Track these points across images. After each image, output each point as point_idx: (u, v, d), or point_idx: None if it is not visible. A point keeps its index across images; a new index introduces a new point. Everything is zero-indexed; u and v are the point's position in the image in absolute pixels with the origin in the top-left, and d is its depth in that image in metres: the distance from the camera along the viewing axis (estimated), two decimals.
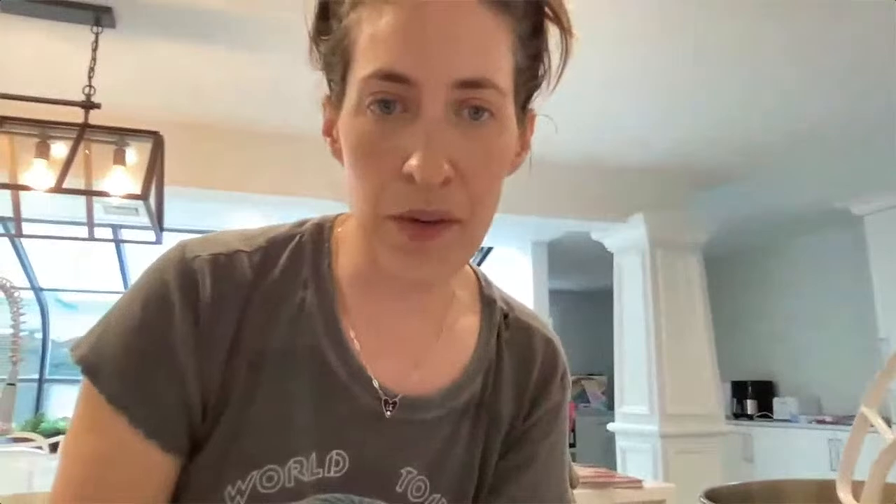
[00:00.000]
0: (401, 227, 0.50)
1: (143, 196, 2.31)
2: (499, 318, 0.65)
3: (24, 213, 2.65)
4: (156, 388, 0.52)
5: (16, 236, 4.39)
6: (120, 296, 0.59)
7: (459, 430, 0.60)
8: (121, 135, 2.50)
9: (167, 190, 2.60)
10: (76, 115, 2.47)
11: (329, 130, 0.59)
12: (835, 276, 5.90)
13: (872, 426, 0.55)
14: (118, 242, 5.03)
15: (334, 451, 0.55)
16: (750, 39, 2.75)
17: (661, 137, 3.85)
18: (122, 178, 2.50)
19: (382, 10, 0.49)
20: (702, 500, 0.66)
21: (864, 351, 5.40)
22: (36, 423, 5.06)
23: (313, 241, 0.60)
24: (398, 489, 0.57)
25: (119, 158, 2.53)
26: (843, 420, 5.26)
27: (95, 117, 2.47)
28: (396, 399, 0.57)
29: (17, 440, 3.75)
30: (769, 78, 3.09)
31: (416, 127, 0.49)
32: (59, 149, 2.44)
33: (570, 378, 0.68)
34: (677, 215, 4.44)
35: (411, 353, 0.60)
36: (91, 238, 2.82)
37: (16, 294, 1.81)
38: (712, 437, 4.21)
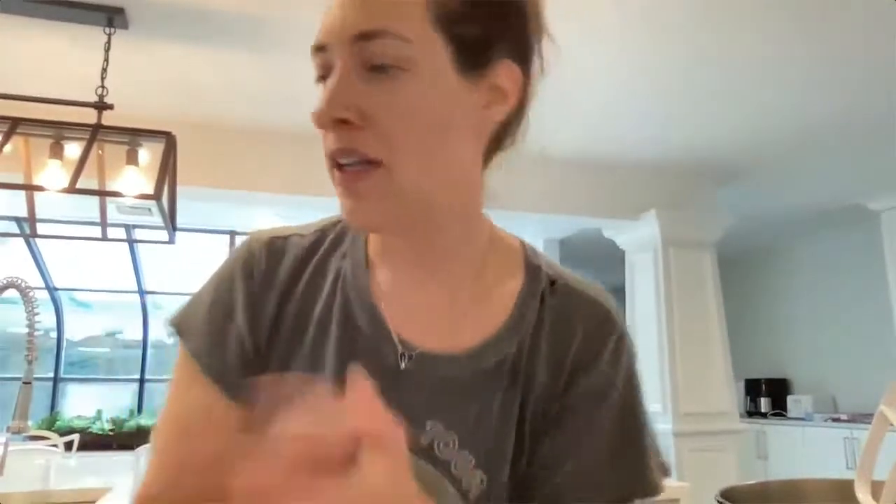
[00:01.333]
0: (333, 173, 0.56)
1: (156, 196, 2.32)
2: (544, 284, 0.65)
3: (39, 214, 2.67)
4: (221, 345, 0.61)
5: (30, 236, 4.43)
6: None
7: (492, 392, 0.60)
8: (133, 135, 2.51)
9: (180, 190, 2.62)
10: (89, 115, 2.49)
11: None
12: (850, 273, 5.84)
13: (892, 425, 0.54)
14: (131, 242, 5.06)
15: None
16: (763, 38, 2.73)
17: (675, 135, 3.82)
18: (134, 179, 2.52)
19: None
20: (717, 499, 0.65)
21: (879, 348, 5.35)
22: (51, 422, 5.12)
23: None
24: (423, 441, 0.58)
25: (132, 159, 2.54)
26: (859, 418, 5.21)
27: (108, 118, 2.49)
28: (413, 353, 0.60)
29: (32, 438, 3.79)
30: (783, 75, 3.06)
31: (328, 88, 0.54)
32: (73, 149, 2.46)
33: (635, 352, 0.65)
34: (690, 213, 4.41)
35: (439, 315, 0.62)
36: (105, 238, 2.83)
37: (30, 294, 1.82)
38: (726, 435, 4.18)
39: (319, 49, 0.56)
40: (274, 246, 0.65)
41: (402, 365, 0.60)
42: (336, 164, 0.56)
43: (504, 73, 0.59)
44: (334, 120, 0.54)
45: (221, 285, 0.65)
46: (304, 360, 0.61)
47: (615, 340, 0.63)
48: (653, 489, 0.61)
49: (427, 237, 0.61)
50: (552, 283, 0.65)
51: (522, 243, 0.70)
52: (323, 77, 0.56)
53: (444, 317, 0.62)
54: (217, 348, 0.61)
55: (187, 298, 0.69)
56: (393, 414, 0.46)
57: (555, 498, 0.59)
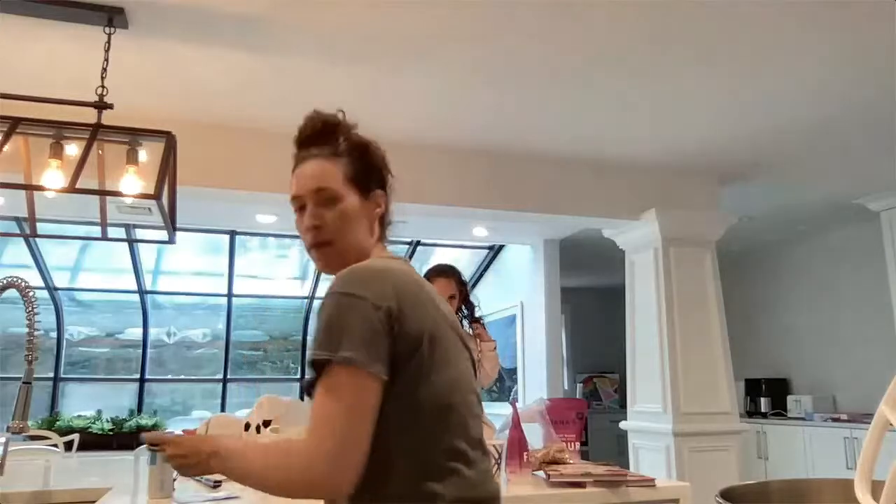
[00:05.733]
0: (310, 251, 1.24)
1: (156, 196, 2.32)
2: None
3: (39, 214, 2.67)
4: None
5: (30, 236, 4.43)
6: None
7: None
8: (133, 135, 2.51)
9: (180, 190, 2.61)
10: (89, 115, 2.48)
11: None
12: (850, 273, 5.84)
13: (892, 425, 0.54)
14: (131, 242, 5.06)
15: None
16: (766, 37, 2.73)
17: (675, 135, 3.82)
18: (134, 178, 2.51)
19: (293, 173, 1.28)
20: (717, 499, 0.65)
21: (880, 348, 5.35)
22: (51, 422, 5.12)
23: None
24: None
25: (132, 158, 2.54)
26: (859, 418, 5.21)
27: (108, 118, 2.49)
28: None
29: (32, 438, 3.79)
30: (783, 75, 3.06)
31: (306, 213, 1.22)
32: (73, 149, 2.46)
33: (334, 302, 1.07)
34: (690, 213, 4.41)
35: None
36: (105, 238, 2.83)
37: (30, 294, 1.82)
38: (727, 435, 4.18)
39: (296, 198, 1.24)
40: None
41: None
42: (309, 248, 1.22)
43: (378, 195, 1.27)
44: (314, 226, 1.20)
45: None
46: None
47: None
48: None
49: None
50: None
51: (365, 263, 1.18)
52: (300, 209, 1.24)
53: None
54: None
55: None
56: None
57: None
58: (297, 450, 1.00)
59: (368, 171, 1.26)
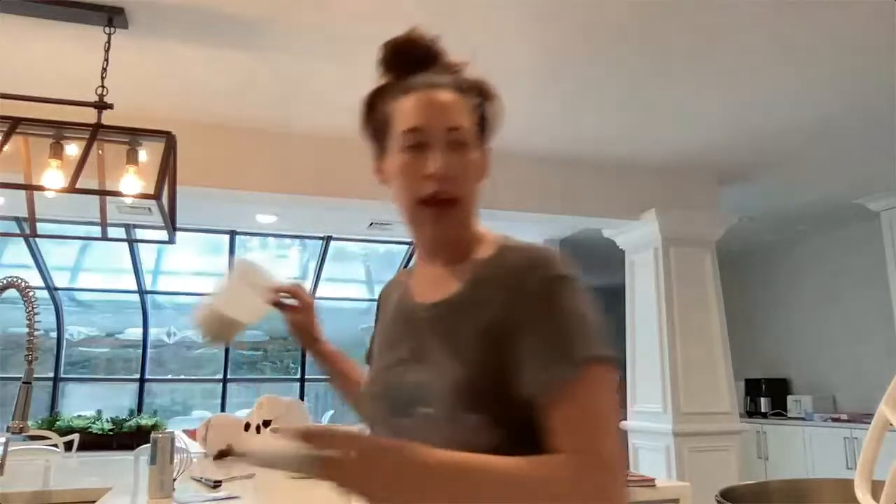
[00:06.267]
0: (429, 205, 0.92)
1: (156, 196, 2.32)
2: (493, 252, 0.96)
3: (39, 214, 2.67)
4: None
5: (30, 236, 4.43)
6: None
7: (446, 325, 0.93)
8: (133, 135, 2.51)
9: (180, 190, 2.61)
10: (89, 115, 2.48)
11: (378, 170, 1.01)
12: (850, 273, 5.84)
13: (892, 425, 0.54)
14: (131, 242, 5.06)
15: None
16: (763, 38, 2.73)
17: (675, 135, 3.82)
18: (134, 178, 2.51)
19: (408, 99, 0.94)
20: (717, 499, 0.65)
21: (879, 348, 5.35)
22: (51, 422, 5.11)
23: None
24: (401, 355, 0.95)
25: (132, 158, 2.54)
26: (859, 418, 5.21)
27: (108, 118, 2.49)
28: (415, 303, 0.99)
29: (32, 438, 3.79)
30: (783, 75, 3.06)
31: (432, 153, 0.92)
32: (73, 149, 2.46)
33: (571, 287, 0.89)
34: (690, 212, 4.41)
35: (431, 282, 0.99)
36: (105, 238, 2.83)
37: (30, 294, 1.82)
38: (727, 435, 4.18)
39: (417, 130, 0.92)
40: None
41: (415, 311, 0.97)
42: (426, 202, 0.92)
43: (489, 154, 1.00)
44: (446, 176, 0.90)
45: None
46: None
47: (539, 277, 0.87)
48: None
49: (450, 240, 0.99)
50: (503, 252, 0.94)
51: (504, 237, 0.98)
52: (414, 147, 0.92)
53: (432, 284, 0.97)
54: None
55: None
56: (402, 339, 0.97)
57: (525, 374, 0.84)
58: (586, 462, 0.77)
59: (490, 120, 0.99)
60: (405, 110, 0.94)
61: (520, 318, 0.84)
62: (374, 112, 1.00)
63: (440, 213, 0.92)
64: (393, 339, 0.99)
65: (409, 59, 0.99)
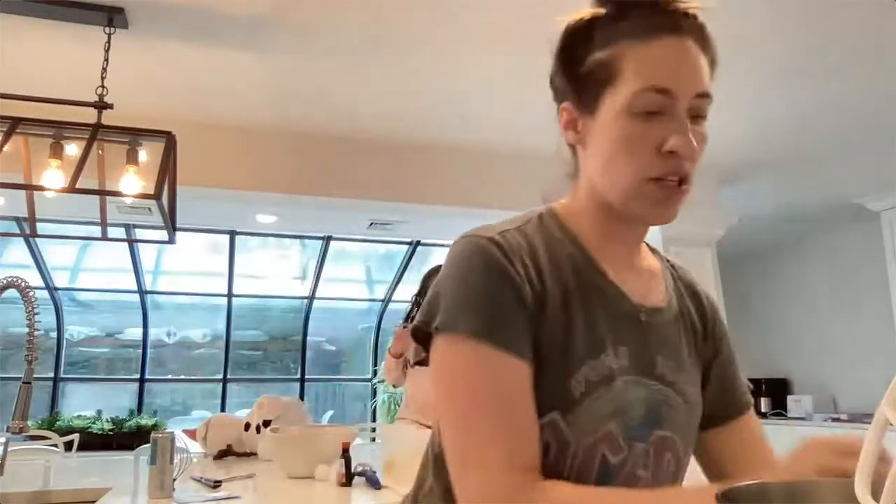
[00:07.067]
0: (661, 185, 0.76)
1: (156, 196, 2.32)
2: (665, 261, 0.98)
3: (39, 214, 2.67)
4: (504, 319, 0.73)
5: (30, 236, 4.43)
6: (446, 282, 0.76)
7: (677, 331, 0.87)
8: (133, 135, 2.51)
9: (180, 190, 2.62)
10: (89, 115, 2.49)
11: (572, 127, 0.83)
12: (851, 273, 5.84)
13: (892, 425, 0.54)
14: (131, 242, 5.06)
15: (620, 348, 0.79)
16: (763, 38, 2.72)
17: None
18: (134, 178, 2.52)
19: (649, 45, 0.73)
20: (718, 499, 0.65)
21: (880, 348, 5.35)
22: (51, 422, 5.12)
23: (553, 218, 0.86)
24: (658, 370, 0.81)
25: (132, 158, 2.54)
26: (860, 418, 5.20)
27: (108, 118, 2.49)
28: (645, 308, 0.83)
29: (32, 438, 3.79)
30: (784, 76, 3.06)
31: (673, 123, 0.73)
32: (73, 149, 2.46)
33: None
34: (691, 212, 4.34)
35: (638, 281, 0.86)
36: (105, 238, 2.83)
37: (30, 294, 1.82)
38: None
39: (665, 92, 0.73)
40: (502, 240, 0.77)
41: (643, 318, 0.83)
42: (661, 178, 0.76)
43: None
44: (693, 153, 0.76)
45: (473, 278, 0.74)
46: (577, 321, 0.77)
47: (711, 299, 0.98)
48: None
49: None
50: (667, 260, 0.98)
51: None
52: (651, 113, 0.73)
53: (642, 283, 0.86)
54: (501, 324, 0.72)
55: (429, 304, 0.76)
56: (640, 351, 0.81)
57: (728, 388, 0.94)
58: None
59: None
60: (647, 61, 0.73)
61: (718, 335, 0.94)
62: (588, 49, 0.77)
63: (673, 196, 0.78)
64: (616, 339, 0.79)
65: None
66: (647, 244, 0.96)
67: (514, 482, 0.68)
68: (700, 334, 0.91)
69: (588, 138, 0.80)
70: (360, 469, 2.01)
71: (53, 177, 2.39)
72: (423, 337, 0.76)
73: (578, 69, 0.78)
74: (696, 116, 0.76)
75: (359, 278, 7.09)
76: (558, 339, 0.75)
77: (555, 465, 0.73)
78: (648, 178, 0.76)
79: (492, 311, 0.72)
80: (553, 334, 0.75)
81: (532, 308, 0.74)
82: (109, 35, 2.57)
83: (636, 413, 0.77)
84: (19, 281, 1.83)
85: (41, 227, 2.83)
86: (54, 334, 6.19)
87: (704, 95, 0.76)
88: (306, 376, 6.80)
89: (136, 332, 6.51)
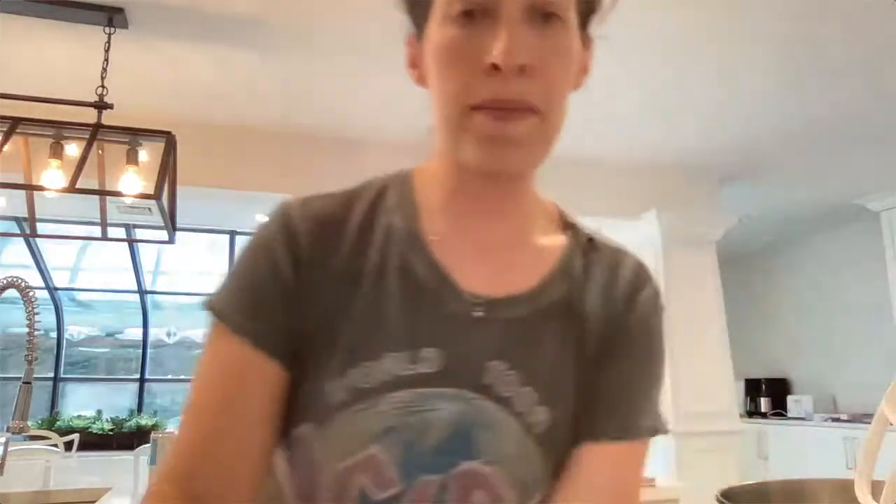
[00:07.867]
0: (486, 114, 0.55)
1: (156, 196, 2.32)
2: (583, 239, 0.73)
3: (39, 213, 2.68)
4: (262, 310, 0.61)
5: (30, 236, 4.43)
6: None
7: (549, 331, 0.64)
8: (133, 135, 2.52)
9: (180, 190, 2.62)
10: (89, 115, 2.49)
11: (414, 63, 0.65)
12: (851, 273, 5.84)
13: (892, 425, 0.54)
14: (132, 242, 5.06)
15: (424, 350, 0.60)
16: (763, 38, 2.73)
17: (675, 135, 3.82)
18: (134, 178, 2.52)
19: None
20: (717, 499, 0.65)
21: (880, 349, 5.35)
22: (51, 422, 5.12)
23: (398, 177, 0.69)
24: (484, 381, 0.61)
25: (132, 158, 2.54)
26: (859, 418, 5.20)
27: (108, 118, 2.49)
28: (481, 301, 0.62)
29: (32, 438, 3.79)
30: (784, 75, 3.06)
31: (498, 26, 0.54)
32: (73, 149, 2.46)
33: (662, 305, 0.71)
34: (691, 212, 4.40)
35: (496, 259, 0.65)
36: (105, 238, 2.83)
37: (30, 294, 1.82)
38: (727, 435, 4.18)
39: None
40: (308, 205, 0.66)
41: (475, 314, 0.62)
42: (487, 105, 0.55)
43: (590, 47, 0.65)
44: (518, 66, 0.54)
45: (257, 250, 0.64)
46: (357, 312, 0.61)
47: (653, 287, 0.71)
48: (662, 427, 0.68)
49: (520, 184, 0.66)
50: (589, 239, 0.73)
51: (555, 204, 0.75)
52: (468, 13, 0.55)
53: (499, 262, 0.65)
54: (258, 315, 0.61)
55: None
56: (461, 357, 0.59)
57: (597, 415, 0.64)
58: None
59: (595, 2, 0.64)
60: None
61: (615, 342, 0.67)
62: None
63: (502, 131, 0.56)
64: (425, 339, 0.63)
65: None
66: (563, 212, 0.75)
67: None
68: (595, 333, 0.66)
69: (424, 72, 0.63)
70: None
71: (53, 177, 2.39)
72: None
73: None
74: (548, 14, 0.56)
75: None
76: (327, 334, 0.61)
77: (307, 493, 0.60)
78: (469, 104, 0.56)
79: (244, 295, 0.62)
80: (325, 327, 0.61)
81: (297, 295, 0.61)
82: (109, 35, 2.57)
83: (432, 436, 0.59)
84: (19, 281, 1.83)
85: (41, 227, 2.83)
86: (54, 334, 6.19)
87: None
88: None
89: (136, 332, 6.51)
